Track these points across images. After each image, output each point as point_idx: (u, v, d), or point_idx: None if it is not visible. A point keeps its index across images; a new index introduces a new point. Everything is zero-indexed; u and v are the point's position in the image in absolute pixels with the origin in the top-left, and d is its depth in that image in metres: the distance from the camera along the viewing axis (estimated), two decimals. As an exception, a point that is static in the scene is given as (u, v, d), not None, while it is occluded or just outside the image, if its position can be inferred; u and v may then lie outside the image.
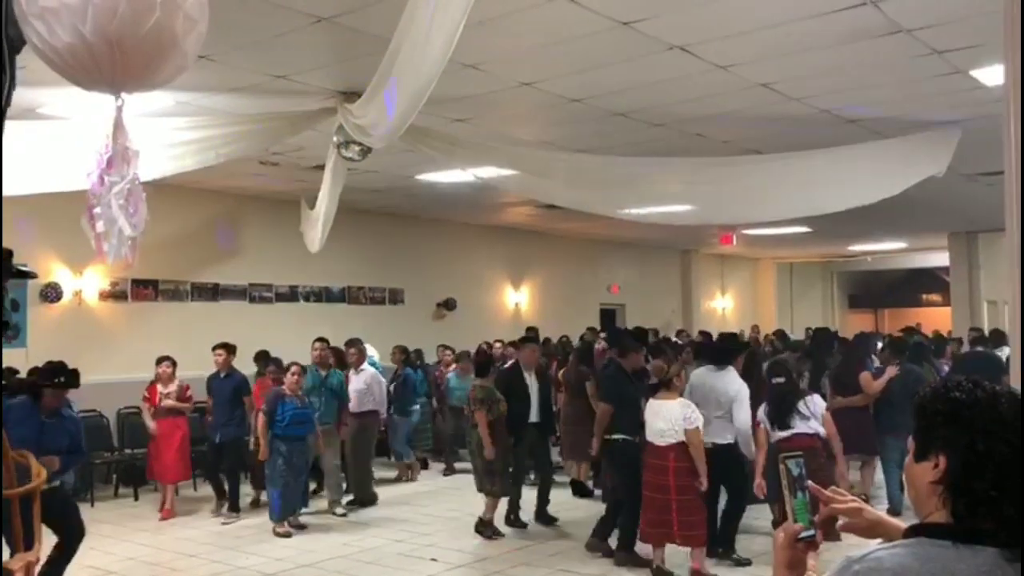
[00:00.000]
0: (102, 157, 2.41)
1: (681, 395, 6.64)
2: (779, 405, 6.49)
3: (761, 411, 6.67)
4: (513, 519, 8.20)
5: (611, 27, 5.49)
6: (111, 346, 10.27)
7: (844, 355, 9.65)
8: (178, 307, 11.31)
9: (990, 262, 17.31)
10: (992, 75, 6.53)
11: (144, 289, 10.97)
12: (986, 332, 13.06)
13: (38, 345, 9.29)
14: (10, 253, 1.46)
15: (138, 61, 2.12)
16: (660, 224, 11.26)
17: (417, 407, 10.89)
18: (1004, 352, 10.47)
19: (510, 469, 8.10)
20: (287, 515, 8.04)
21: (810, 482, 1.78)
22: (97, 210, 2.41)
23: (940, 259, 19.95)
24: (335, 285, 13.27)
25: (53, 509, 5.54)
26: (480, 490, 7.89)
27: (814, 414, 6.40)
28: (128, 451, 9.82)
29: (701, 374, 7.21)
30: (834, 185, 8.00)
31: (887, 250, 21.88)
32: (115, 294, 10.70)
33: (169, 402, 8.79)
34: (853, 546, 1.59)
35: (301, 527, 8.11)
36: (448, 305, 14.89)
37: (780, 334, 12.50)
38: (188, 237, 10.95)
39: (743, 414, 6.81)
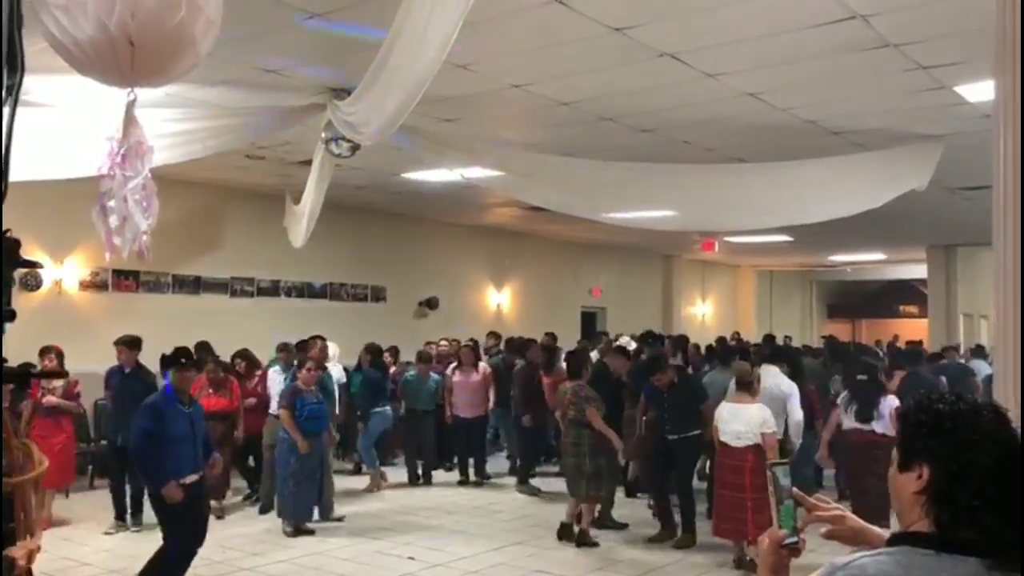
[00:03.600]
0: (114, 151, 2.40)
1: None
2: (862, 400, 7.08)
3: (841, 400, 7.40)
4: (610, 523, 8.14)
5: (603, 33, 5.53)
6: (90, 336, 10.16)
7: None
8: (159, 299, 11.24)
9: (967, 276, 17.53)
10: (976, 91, 6.63)
11: (125, 280, 10.90)
12: (962, 344, 13.83)
13: (16, 334, 9.17)
14: (18, 243, 1.46)
15: (156, 58, 2.12)
16: (643, 229, 11.33)
17: (381, 410, 10.19)
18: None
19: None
20: (301, 516, 7.81)
21: (795, 489, 1.81)
22: (111, 204, 2.39)
23: (918, 271, 20.18)
24: (317, 281, 13.23)
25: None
26: (581, 495, 7.55)
27: (882, 414, 6.90)
28: (104, 442, 9.72)
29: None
30: (817, 196, 8.08)
31: (866, 261, 22.09)
32: (95, 284, 10.63)
33: (52, 399, 7.80)
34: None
35: (310, 532, 7.79)
36: (430, 304, 14.88)
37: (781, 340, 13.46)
38: (171, 229, 10.74)
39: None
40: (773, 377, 7.47)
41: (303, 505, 7.84)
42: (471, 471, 10.45)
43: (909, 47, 5.76)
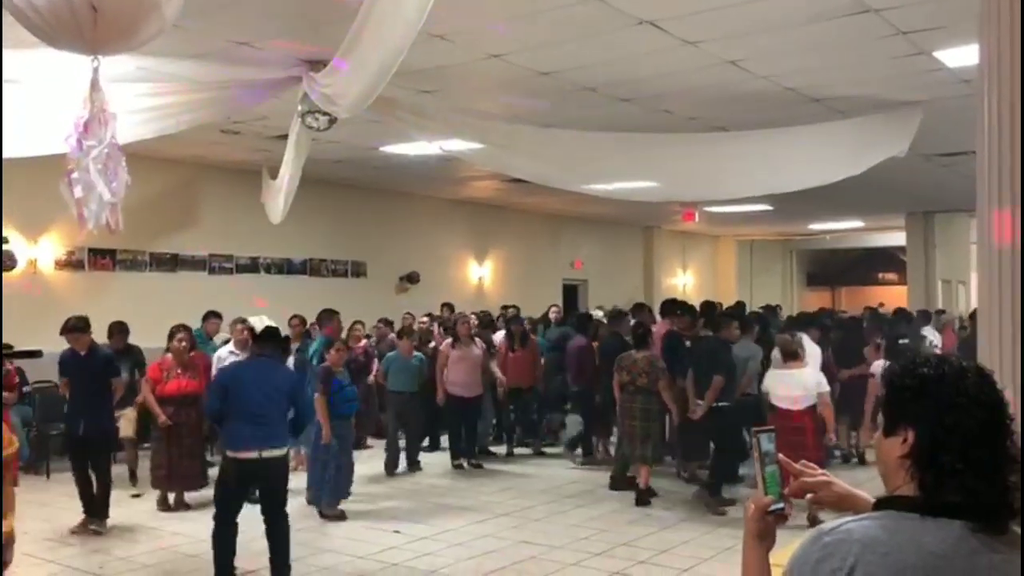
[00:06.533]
0: (79, 121, 2.33)
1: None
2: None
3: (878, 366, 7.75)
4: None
5: (582, 0, 5.46)
6: (67, 316, 10.07)
7: (844, 332, 10.74)
8: (136, 277, 11.13)
9: (946, 242, 17.66)
10: (955, 57, 6.62)
11: (101, 259, 10.78)
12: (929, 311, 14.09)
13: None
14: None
15: (119, 23, 2.05)
16: (623, 200, 11.32)
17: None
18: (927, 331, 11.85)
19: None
20: (341, 497, 7.72)
21: (781, 455, 1.81)
22: (75, 175, 2.33)
23: (896, 239, 20.30)
24: (297, 257, 13.14)
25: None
26: (648, 457, 8.10)
27: None
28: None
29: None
30: (797, 164, 8.09)
31: (845, 229, 22.19)
32: (71, 263, 10.51)
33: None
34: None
35: (343, 516, 7.60)
36: (411, 278, 14.83)
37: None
38: (147, 206, 10.72)
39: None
40: (807, 344, 7.94)
41: (342, 487, 7.76)
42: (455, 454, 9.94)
43: (889, 12, 5.73)
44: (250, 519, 5.83)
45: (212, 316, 9.85)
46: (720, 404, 7.80)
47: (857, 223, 20.75)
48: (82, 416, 7.19)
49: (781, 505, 1.76)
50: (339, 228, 13.69)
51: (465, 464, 9.80)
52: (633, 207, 15.40)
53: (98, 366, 7.32)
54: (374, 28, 4.12)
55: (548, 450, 10.63)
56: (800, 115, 8.08)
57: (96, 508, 7.13)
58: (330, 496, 7.67)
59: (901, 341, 7.96)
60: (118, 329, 8.54)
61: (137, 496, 8.08)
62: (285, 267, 13.01)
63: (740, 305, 13.39)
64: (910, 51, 6.58)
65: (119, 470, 8.42)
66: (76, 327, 7.28)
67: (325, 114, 6.62)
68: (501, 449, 10.66)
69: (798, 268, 26.04)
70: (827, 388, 7.21)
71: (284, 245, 12.64)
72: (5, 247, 9.72)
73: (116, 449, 8.00)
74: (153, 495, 7.93)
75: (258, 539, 5.87)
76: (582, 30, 6.12)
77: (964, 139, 8.94)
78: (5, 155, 5.58)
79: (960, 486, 1.49)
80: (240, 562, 5.77)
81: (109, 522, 7.19)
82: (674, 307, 9.96)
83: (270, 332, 6.19)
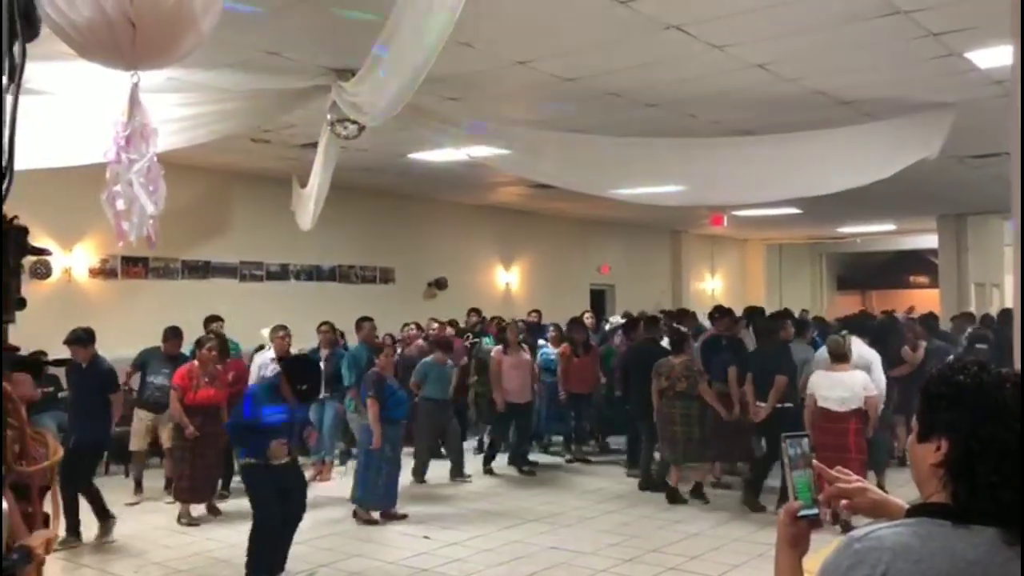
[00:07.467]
0: (119, 134, 2.38)
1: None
2: None
3: None
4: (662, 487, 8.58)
5: (608, 6, 5.46)
6: (100, 324, 10.06)
7: (879, 333, 10.49)
8: (168, 285, 11.26)
9: (978, 245, 17.39)
10: (986, 57, 6.54)
11: (134, 266, 10.92)
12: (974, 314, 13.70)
13: (26, 322, 9.19)
14: (26, 230, 1.46)
15: (157, 38, 2.09)
16: (651, 205, 11.27)
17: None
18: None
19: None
20: (392, 502, 7.73)
21: (815, 461, 1.79)
22: (117, 188, 2.37)
23: (928, 241, 20.04)
24: (326, 264, 13.23)
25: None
26: (694, 460, 8.31)
27: None
28: (117, 428, 9.66)
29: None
30: (826, 167, 8.01)
31: (876, 232, 21.94)
32: (105, 271, 10.65)
33: None
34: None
35: (403, 516, 7.72)
36: (439, 284, 14.88)
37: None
38: (178, 214, 10.81)
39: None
40: (857, 346, 7.84)
41: (394, 490, 7.78)
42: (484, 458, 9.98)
43: (919, 14, 5.68)
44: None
45: (214, 320, 9.55)
46: (784, 405, 7.78)
47: (888, 226, 20.51)
48: (75, 427, 7.17)
49: (815, 511, 1.73)
50: (368, 235, 13.77)
51: (518, 471, 9.80)
52: (660, 211, 15.35)
53: (95, 379, 7.21)
54: (403, 36, 4.15)
55: (593, 458, 10.64)
56: (829, 118, 8.02)
57: (98, 516, 7.02)
58: (381, 501, 7.68)
59: (979, 346, 7.89)
60: (173, 334, 8.51)
61: (172, 503, 8.16)
62: (315, 274, 13.10)
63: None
64: (941, 52, 6.51)
65: (152, 481, 8.57)
66: (78, 339, 7.23)
67: (354, 122, 6.69)
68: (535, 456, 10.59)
69: (828, 272, 25.77)
70: (875, 391, 7.21)
71: (314, 252, 12.74)
72: (43, 258, 9.86)
73: (101, 461, 7.98)
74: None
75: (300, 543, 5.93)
76: (608, 36, 6.12)
77: (997, 140, 8.83)
78: (40, 166, 5.70)
79: (993, 497, 1.46)
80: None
81: (142, 526, 7.28)
82: (714, 311, 10.13)
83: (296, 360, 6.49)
